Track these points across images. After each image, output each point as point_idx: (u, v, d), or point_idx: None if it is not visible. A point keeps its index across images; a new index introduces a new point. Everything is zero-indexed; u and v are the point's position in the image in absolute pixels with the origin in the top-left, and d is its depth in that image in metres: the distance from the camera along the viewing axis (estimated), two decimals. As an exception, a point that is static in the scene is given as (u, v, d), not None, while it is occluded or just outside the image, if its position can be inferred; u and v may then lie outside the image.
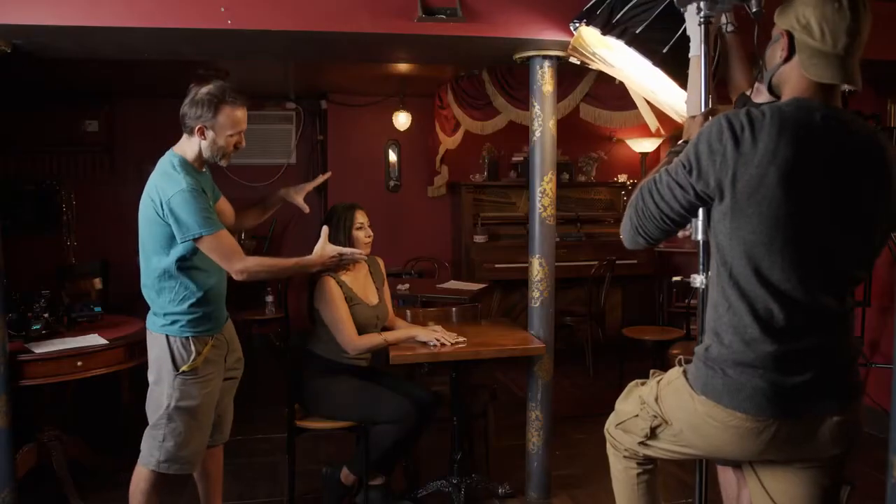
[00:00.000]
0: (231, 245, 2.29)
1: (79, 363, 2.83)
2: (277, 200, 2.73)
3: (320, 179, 2.78)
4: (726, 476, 2.32)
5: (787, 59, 1.50)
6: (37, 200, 5.81)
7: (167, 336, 2.32)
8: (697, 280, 1.82)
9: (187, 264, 2.30)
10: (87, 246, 5.82)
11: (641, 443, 1.74)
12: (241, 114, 2.35)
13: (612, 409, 1.88)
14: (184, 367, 2.31)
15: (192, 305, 2.32)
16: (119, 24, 2.56)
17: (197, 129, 2.31)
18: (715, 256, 1.54)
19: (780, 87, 1.56)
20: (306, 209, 2.67)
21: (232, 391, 2.59)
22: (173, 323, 2.32)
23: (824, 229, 1.45)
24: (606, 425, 1.89)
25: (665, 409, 1.65)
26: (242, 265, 2.29)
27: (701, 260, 1.79)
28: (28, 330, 2.89)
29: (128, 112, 5.96)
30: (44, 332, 2.94)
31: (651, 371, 1.83)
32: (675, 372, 1.67)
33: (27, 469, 2.99)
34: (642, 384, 1.81)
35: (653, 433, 1.69)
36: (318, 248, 2.48)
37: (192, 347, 2.32)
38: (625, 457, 1.84)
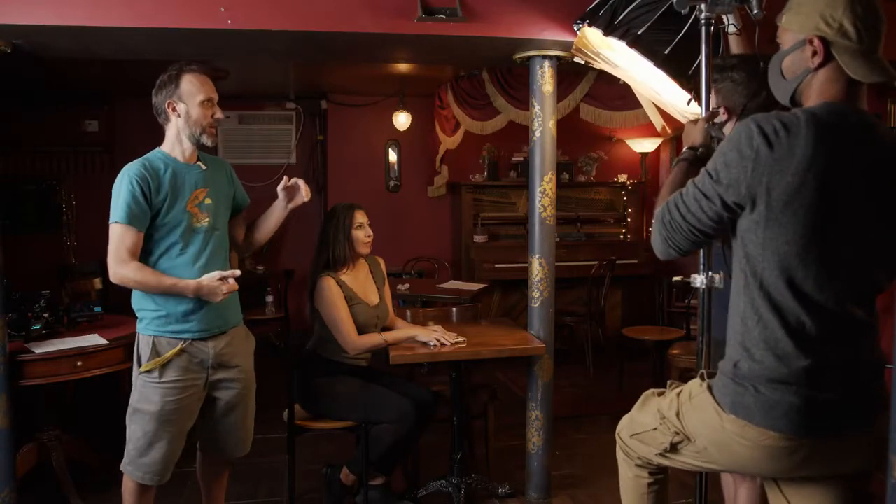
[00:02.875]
0: (123, 246, 2.17)
1: (79, 363, 2.82)
2: (277, 205, 2.52)
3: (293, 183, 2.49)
4: (725, 476, 2.32)
5: (821, 65, 1.42)
6: (37, 200, 5.82)
7: (138, 333, 2.29)
8: (697, 280, 1.81)
9: (151, 257, 2.25)
10: (87, 246, 5.83)
11: (660, 454, 1.68)
12: (204, 79, 2.29)
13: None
14: (142, 368, 2.24)
15: (154, 302, 2.25)
16: (119, 25, 2.56)
17: (168, 107, 2.27)
18: (741, 266, 1.47)
19: (803, 95, 1.48)
20: (303, 193, 2.47)
21: (233, 411, 2.42)
22: (141, 320, 2.28)
23: (860, 237, 1.40)
24: (618, 430, 1.83)
25: (687, 426, 1.58)
26: (118, 271, 2.17)
27: (701, 260, 1.79)
28: (28, 330, 2.89)
29: (128, 112, 5.96)
30: (44, 332, 2.94)
31: (669, 382, 1.78)
32: (697, 386, 1.60)
33: (27, 469, 2.99)
34: (659, 395, 1.74)
35: (673, 448, 1.62)
36: (204, 277, 2.24)
37: (154, 347, 2.24)
38: (637, 465, 1.78)
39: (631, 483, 1.81)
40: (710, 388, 1.55)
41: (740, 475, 2.16)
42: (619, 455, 1.84)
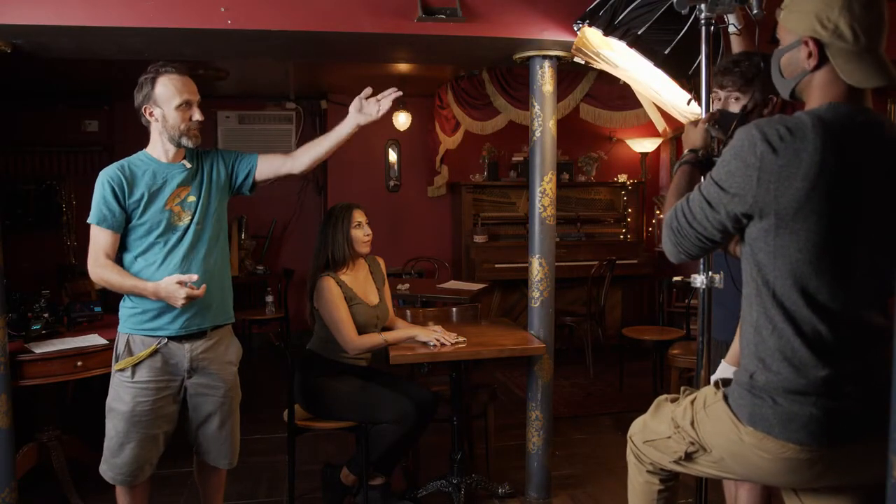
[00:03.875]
0: (97, 246, 2.22)
1: (79, 363, 2.82)
2: (349, 126, 2.39)
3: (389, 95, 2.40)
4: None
5: (817, 66, 1.38)
6: (37, 200, 5.83)
7: (118, 331, 2.30)
8: (697, 280, 1.81)
9: (129, 255, 2.26)
10: (87, 246, 5.82)
11: (674, 462, 1.65)
12: (180, 81, 2.23)
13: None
14: (115, 366, 2.24)
15: (131, 300, 2.25)
16: (119, 25, 2.56)
17: (145, 112, 2.26)
18: (752, 275, 1.43)
19: (804, 94, 1.44)
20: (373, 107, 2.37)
21: (210, 420, 2.36)
22: (121, 317, 2.29)
23: (872, 240, 1.36)
24: (630, 433, 1.79)
25: (703, 436, 1.55)
26: (94, 269, 2.22)
27: (701, 260, 1.79)
28: (28, 330, 2.89)
29: (128, 112, 5.84)
30: (44, 332, 2.94)
31: (682, 388, 1.75)
32: (712, 395, 1.56)
33: (27, 469, 2.99)
34: (672, 401, 1.71)
35: (688, 457, 1.59)
36: (163, 280, 2.18)
37: (128, 345, 2.24)
38: (648, 471, 1.75)
39: (641, 488, 1.78)
40: (725, 398, 1.51)
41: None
42: (630, 458, 1.81)
